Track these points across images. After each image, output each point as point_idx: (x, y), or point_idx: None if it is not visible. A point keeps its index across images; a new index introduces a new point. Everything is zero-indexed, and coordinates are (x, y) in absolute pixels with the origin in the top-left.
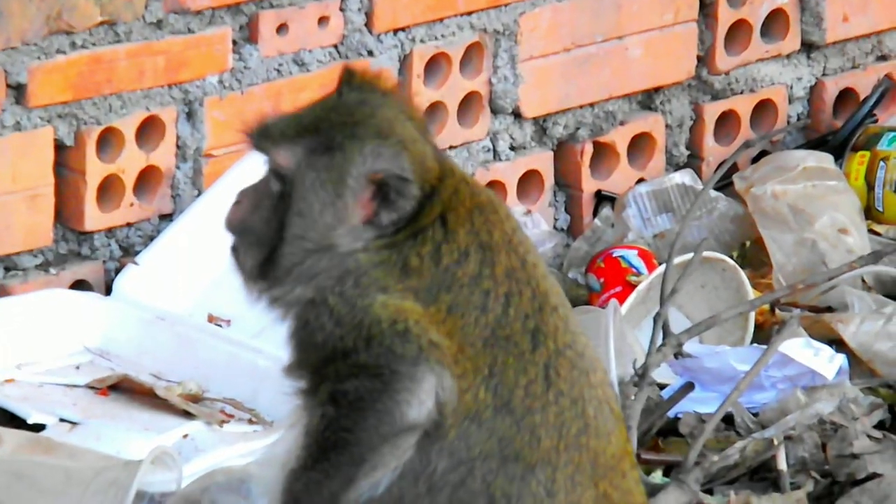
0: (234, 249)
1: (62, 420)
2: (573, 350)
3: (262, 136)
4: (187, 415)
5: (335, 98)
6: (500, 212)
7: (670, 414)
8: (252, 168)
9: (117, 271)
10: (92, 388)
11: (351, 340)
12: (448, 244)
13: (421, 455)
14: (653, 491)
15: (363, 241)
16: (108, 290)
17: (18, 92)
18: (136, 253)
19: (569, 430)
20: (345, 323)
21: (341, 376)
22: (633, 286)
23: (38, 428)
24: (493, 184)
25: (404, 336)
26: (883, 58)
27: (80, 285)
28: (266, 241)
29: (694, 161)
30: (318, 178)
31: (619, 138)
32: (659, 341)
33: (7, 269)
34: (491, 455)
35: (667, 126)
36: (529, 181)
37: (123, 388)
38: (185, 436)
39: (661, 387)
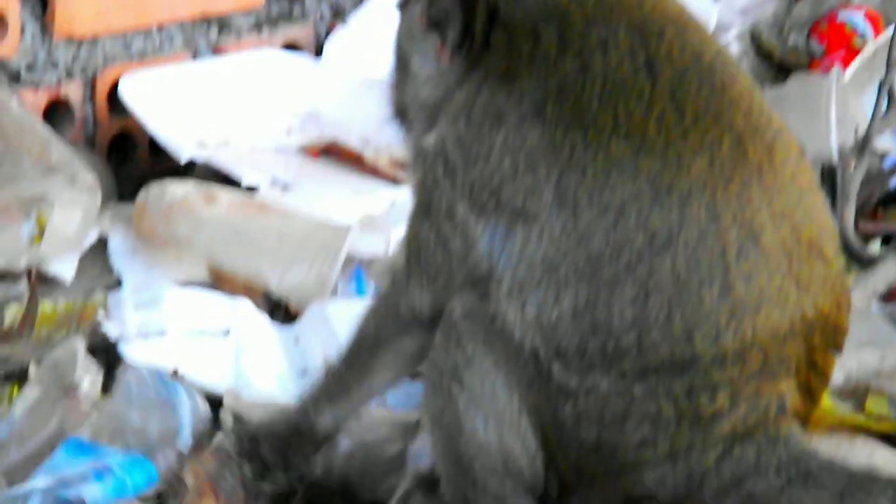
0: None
1: (274, 182)
2: (698, 68)
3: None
4: (395, 180)
5: None
6: None
7: (892, 183)
8: None
9: (328, 33)
10: (303, 151)
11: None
12: (515, 33)
13: (557, 213)
14: (870, 261)
15: (458, 74)
16: (318, 53)
17: None
18: (347, 15)
19: (719, 148)
20: (458, 174)
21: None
22: (857, 51)
23: (252, 189)
24: None
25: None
26: None
27: (291, 47)
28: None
29: None
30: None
31: None
32: (883, 109)
33: (221, 29)
34: (641, 193)
35: None
36: None
37: (333, 152)
38: (393, 202)
39: (883, 156)
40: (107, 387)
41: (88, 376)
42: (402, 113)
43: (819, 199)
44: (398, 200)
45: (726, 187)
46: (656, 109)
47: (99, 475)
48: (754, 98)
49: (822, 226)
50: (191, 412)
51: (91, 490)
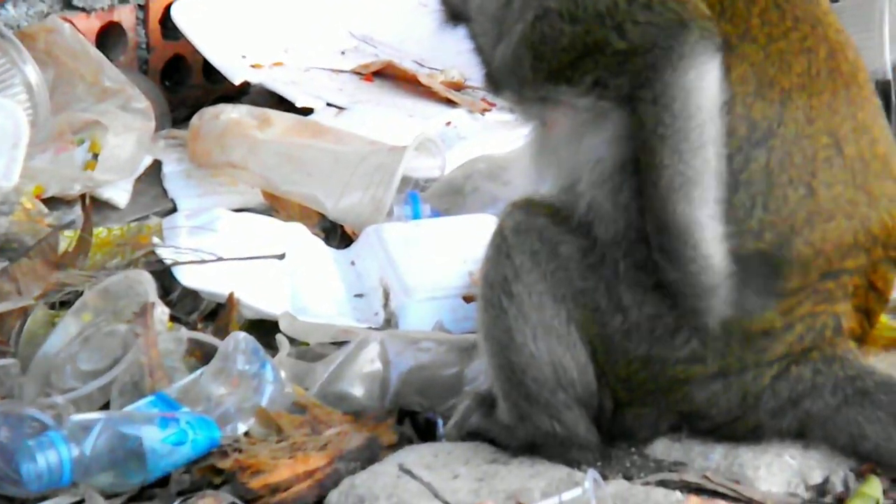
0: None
1: (329, 104)
2: None
3: None
4: (450, 102)
5: None
6: None
7: None
8: None
9: None
10: (357, 73)
11: (598, 31)
12: None
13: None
14: None
15: None
16: None
17: None
18: None
19: (817, 54)
20: (579, 18)
21: (607, 68)
22: None
23: (306, 111)
24: None
25: (649, 4)
26: None
27: None
28: None
29: None
30: None
31: None
32: None
33: None
34: (746, 79)
35: None
36: None
37: (387, 75)
38: (448, 123)
39: None
40: None
41: (160, 307)
42: (457, 12)
43: (886, 121)
44: (453, 122)
45: (821, 93)
46: (759, 4)
47: (164, 422)
48: (836, 17)
49: (892, 145)
50: (273, 392)
51: (151, 432)
